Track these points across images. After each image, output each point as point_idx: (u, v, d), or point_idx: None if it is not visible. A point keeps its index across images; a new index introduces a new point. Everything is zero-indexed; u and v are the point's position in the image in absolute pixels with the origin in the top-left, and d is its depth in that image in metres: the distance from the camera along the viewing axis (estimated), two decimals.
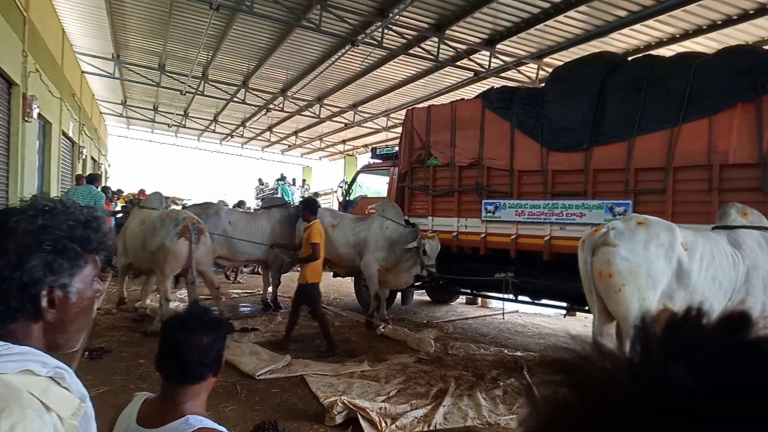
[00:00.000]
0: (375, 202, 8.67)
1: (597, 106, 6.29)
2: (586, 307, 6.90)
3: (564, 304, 7.27)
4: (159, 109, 19.49)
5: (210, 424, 1.44)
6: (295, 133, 20.92)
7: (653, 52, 7.95)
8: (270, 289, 8.87)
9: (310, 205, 6.69)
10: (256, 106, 16.03)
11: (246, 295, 10.15)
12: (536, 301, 7.55)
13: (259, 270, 10.71)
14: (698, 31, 7.98)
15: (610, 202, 6.26)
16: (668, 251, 4.22)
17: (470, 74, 10.84)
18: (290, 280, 9.57)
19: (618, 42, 8.71)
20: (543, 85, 7.70)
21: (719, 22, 7.73)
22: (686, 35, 8.15)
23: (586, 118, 6.36)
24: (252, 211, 12.34)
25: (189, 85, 13.97)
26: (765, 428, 0.32)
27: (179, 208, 10.88)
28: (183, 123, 20.78)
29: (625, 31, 8.25)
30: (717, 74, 5.52)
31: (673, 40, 8.35)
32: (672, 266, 4.21)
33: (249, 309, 8.83)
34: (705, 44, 7.98)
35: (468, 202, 7.67)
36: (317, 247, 6.20)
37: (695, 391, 0.34)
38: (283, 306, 8.56)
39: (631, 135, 6.02)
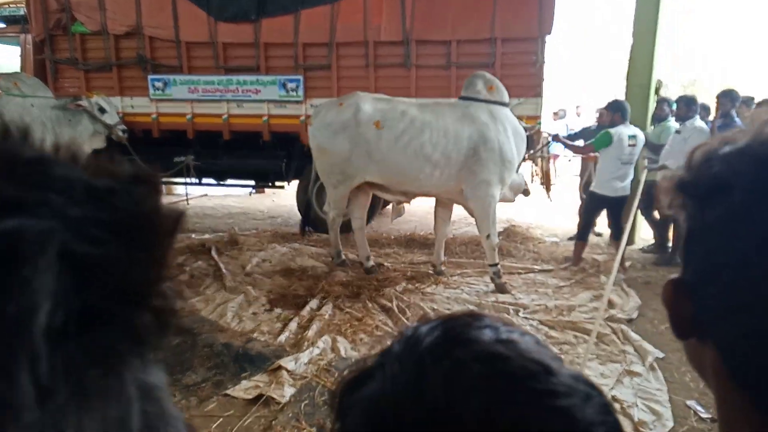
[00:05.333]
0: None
1: None
2: (269, 183, 7.17)
3: (251, 183, 7.33)
4: None
5: None
6: None
7: None
8: None
9: None
10: None
11: None
12: (222, 183, 7.41)
13: None
14: None
15: (283, 77, 6.29)
16: (351, 132, 4.37)
17: None
18: None
19: None
20: None
21: None
22: None
23: None
24: None
25: None
26: None
27: None
28: None
29: None
30: None
31: None
32: (359, 147, 4.37)
33: None
34: None
35: (131, 77, 6.68)
36: None
37: None
38: None
39: (297, 8, 5.98)
